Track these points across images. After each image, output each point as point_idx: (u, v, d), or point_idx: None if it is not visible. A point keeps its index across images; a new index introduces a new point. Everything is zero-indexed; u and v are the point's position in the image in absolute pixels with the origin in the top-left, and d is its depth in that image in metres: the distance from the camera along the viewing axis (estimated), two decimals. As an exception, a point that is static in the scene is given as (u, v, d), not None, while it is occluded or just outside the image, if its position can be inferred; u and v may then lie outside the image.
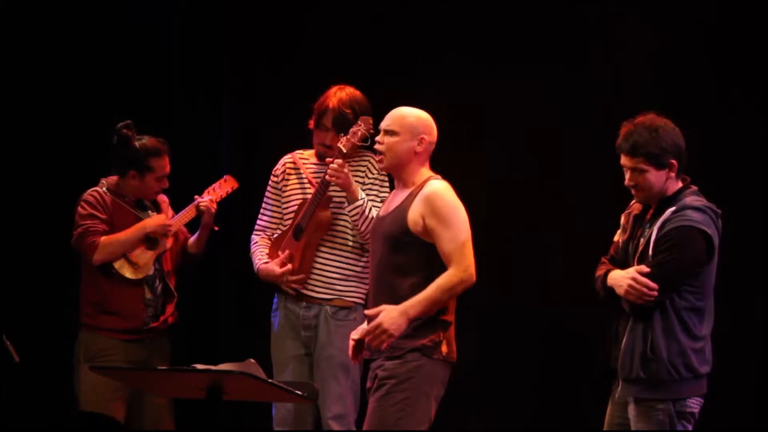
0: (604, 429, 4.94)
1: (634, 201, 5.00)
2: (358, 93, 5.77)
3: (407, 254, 4.84)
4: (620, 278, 4.78)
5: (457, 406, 5.28)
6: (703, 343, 4.80)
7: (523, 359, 6.63)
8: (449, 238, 4.80)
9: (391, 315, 4.74)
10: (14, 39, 6.96)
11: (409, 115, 4.97)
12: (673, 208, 4.77)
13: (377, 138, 5.00)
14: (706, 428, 4.99)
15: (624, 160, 4.85)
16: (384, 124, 4.98)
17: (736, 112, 6.42)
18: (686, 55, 6.46)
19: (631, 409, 4.81)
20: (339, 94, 5.75)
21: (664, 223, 4.76)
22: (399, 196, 4.96)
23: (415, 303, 4.75)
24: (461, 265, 4.78)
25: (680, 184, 4.86)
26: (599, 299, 4.92)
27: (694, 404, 4.79)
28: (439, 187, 4.89)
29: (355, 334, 4.92)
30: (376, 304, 4.84)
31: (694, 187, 4.88)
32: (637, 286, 4.72)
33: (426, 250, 4.82)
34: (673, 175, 4.82)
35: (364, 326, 4.87)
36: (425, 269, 4.81)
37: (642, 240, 4.84)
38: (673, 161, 4.81)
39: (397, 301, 4.79)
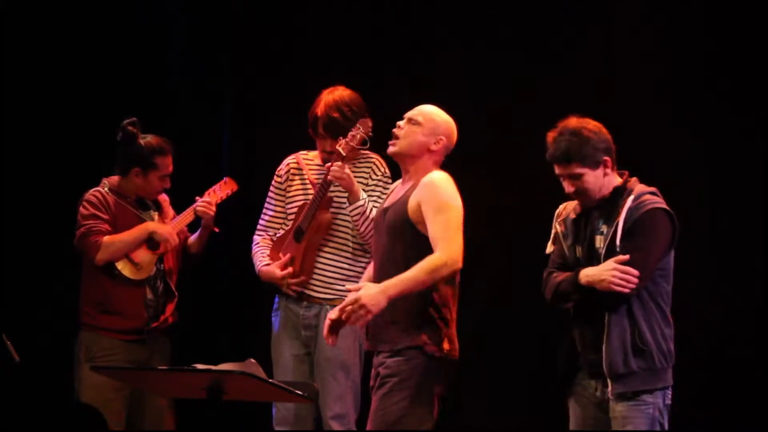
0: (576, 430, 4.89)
1: (561, 207, 4.97)
2: (346, 93, 5.75)
3: (410, 244, 4.81)
4: (599, 273, 4.70)
5: (458, 405, 5.27)
6: (672, 329, 4.79)
7: (524, 359, 6.62)
8: (439, 224, 4.75)
9: (370, 292, 4.67)
10: (15, 39, 6.96)
11: (436, 114, 5.00)
12: (631, 197, 4.74)
13: (398, 123, 5.00)
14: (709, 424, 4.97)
15: (559, 170, 4.83)
16: (410, 113, 4.99)
17: (738, 111, 6.42)
18: (687, 55, 6.46)
19: (618, 408, 4.73)
20: (326, 99, 5.74)
21: (630, 211, 4.72)
22: (402, 188, 4.97)
23: (396, 281, 4.69)
24: (447, 249, 4.72)
25: (620, 179, 4.84)
26: (550, 305, 4.90)
27: (670, 394, 4.77)
28: (437, 176, 4.88)
29: (332, 314, 4.86)
30: None
31: (635, 178, 4.86)
32: (622, 274, 4.65)
33: (427, 239, 4.78)
34: (608, 171, 4.80)
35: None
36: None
37: (599, 237, 4.79)
38: (606, 158, 4.79)
39: None
